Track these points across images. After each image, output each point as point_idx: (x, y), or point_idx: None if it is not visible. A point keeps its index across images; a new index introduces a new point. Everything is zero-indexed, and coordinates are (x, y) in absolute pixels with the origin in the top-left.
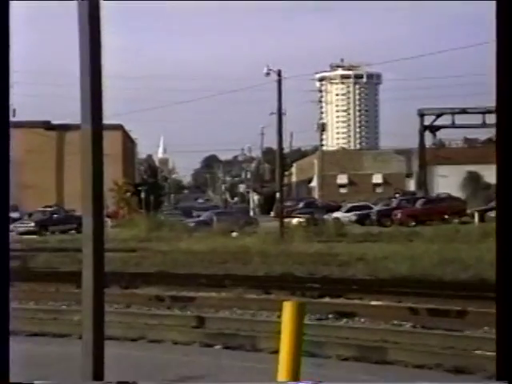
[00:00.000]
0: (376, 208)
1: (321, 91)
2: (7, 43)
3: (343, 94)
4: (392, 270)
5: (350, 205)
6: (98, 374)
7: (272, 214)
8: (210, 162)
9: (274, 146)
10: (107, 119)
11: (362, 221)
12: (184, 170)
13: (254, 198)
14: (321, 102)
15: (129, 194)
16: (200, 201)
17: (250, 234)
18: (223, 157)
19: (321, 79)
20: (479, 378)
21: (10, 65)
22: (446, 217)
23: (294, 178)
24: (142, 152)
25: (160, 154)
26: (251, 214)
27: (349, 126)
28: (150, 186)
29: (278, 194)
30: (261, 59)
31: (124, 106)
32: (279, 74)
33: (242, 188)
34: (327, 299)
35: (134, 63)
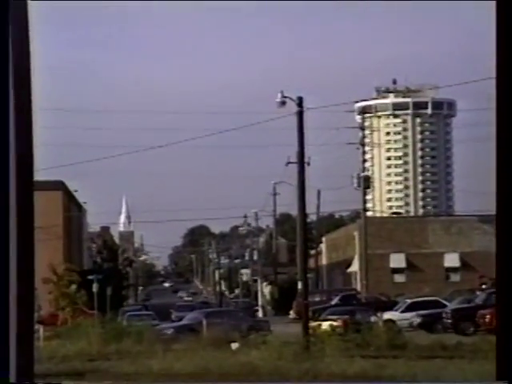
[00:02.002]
0: (451, 306)
1: (363, 129)
2: (7, 44)
3: (397, 133)
4: None
5: (409, 300)
6: None
7: (291, 314)
8: (197, 236)
9: (293, 212)
10: (41, 173)
11: (429, 325)
12: (158, 249)
13: (265, 290)
14: (363, 144)
15: (74, 286)
16: (182, 295)
17: (259, 345)
18: (217, 228)
19: (363, 111)
20: None
21: (10, 67)
22: None
23: (323, 260)
24: (94, 223)
25: (122, 226)
26: (260, 314)
27: (406, 180)
28: (107, 275)
29: (299, 285)
30: (272, 83)
31: (68, 152)
32: (300, 103)
33: (245, 275)
34: None
35: (85, 90)
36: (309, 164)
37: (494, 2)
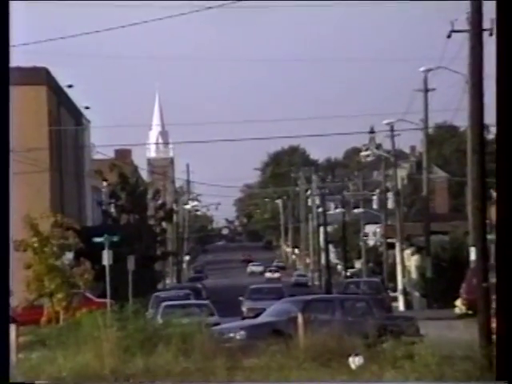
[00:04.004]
0: None
1: None
2: (7, 43)
3: None
4: None
5: None
6: None
7: (459, 306)
8: (286, 166)
9: (460, 123)
10: (20, 59)
11: None
12: (216, 189)
13: (408, 262)
14: None
15: (69, 256)
16: (256, 269)
17: (400, 361)
18: (321, 153)
19: None
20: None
21: (9, 64)
22: None
23: None
24: (103, 144)
25: (153, 150)
26: (400, 305)
27: None
28: (127, 235)
29: (473, 254)
30: None
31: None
32: None
33: (372, 236)
34: None
35: None
36: (491, 34)
37: (495, 2)
